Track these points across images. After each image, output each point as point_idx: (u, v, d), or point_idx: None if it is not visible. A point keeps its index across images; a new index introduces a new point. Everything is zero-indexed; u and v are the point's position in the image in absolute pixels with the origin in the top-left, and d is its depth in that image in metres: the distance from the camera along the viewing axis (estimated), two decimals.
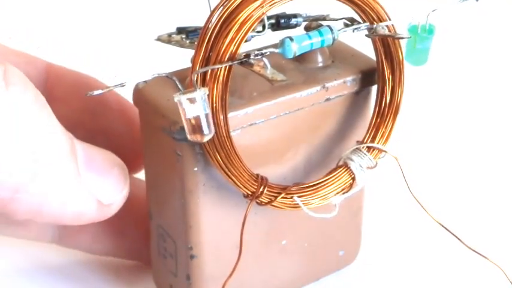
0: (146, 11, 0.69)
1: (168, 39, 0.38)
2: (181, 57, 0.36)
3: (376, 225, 0.45)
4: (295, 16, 0.36)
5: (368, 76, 0.37)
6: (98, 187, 0.33)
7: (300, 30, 0.37)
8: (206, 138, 0.31)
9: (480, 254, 0.37)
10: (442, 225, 0.36)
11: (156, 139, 0.35)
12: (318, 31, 0.33)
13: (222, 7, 0.32)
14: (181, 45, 0.36)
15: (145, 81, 0.35)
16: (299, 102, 0.35)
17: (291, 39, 0.32)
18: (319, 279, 0.42)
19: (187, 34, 0.37)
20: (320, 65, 0.36)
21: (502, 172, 0.50)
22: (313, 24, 0.36)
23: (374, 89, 0.37)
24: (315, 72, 0.36)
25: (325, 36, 0.33)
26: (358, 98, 0.37)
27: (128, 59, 0.61)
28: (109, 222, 0.39)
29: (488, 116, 0.57)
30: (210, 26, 0.31)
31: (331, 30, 0.33)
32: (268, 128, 0.35)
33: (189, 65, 0.33)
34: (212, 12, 0.32)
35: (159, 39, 0.38)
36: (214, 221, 0.36)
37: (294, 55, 0.32)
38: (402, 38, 0.33)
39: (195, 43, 0.35)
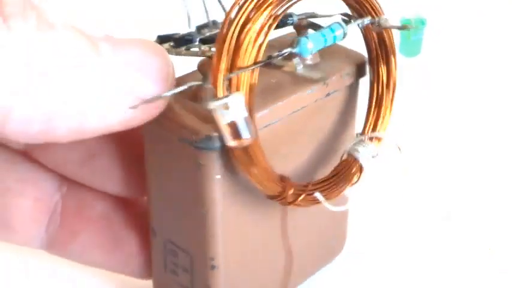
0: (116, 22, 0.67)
1: None
2: None
3: (358, 212, 0.45)
4: (290, 16, 0.36)
5: (359, 69, 0.38)
6: (138, 85, 0.30)
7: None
8: (248, 142, 0.31)
9: (474, 240, 0.38)
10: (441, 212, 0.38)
11: (169, 153, 0.34)
12: (330, 28, 0.33)
13: (238, 9, 0.31)
14: (178, 53, 0.36)
15: None
16: (306, 99, 0.35)
17: (307, 38, 0.32)
18: (314, 273, 0.42)
19: (177, 42, 0.37)
20: (309, 62, 0.37)
21: (498, 157, 0.52)
22: (304, 22, 0.37)
23: (361, 80, 0.38)
24: (310, 70, 0.36)
25: (337, 33, 0.33)
26: (349, 91, 0.38)
27: None
28: (102, 232, 0.38)
29: (483, 104, 0.58)
30: (230, 30, 0.31)
31: (341, 26, 0.33)
32: (278, 128, 0.35)
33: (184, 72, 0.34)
34: (227, 17, 0.32)
35: None
36: (236, 228, 0.35)
37: (310, 53, 0.33)
38: (408, 28, 0.34)
39: (195, 49, 0.35)
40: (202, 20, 0.38)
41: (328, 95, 0.36)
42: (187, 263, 0.36)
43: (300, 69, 0.32)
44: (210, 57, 0.34)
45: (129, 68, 0.30)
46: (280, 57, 0.32)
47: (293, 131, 0.36)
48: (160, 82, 0.31)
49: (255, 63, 0.31)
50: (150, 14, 0.68)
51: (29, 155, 0.37)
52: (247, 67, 0.31)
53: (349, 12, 0.36)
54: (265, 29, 0.31)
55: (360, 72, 0.38)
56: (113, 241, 0.39)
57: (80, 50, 0.29)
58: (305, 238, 0.40)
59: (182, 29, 0.38)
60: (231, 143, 0.30)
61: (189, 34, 0.37)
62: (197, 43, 0.36)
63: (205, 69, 0.34)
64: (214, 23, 0.38)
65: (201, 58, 0.35)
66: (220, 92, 0.31)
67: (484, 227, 0.44)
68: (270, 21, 0.31)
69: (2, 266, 0.44)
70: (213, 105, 0.30)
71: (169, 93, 0.30)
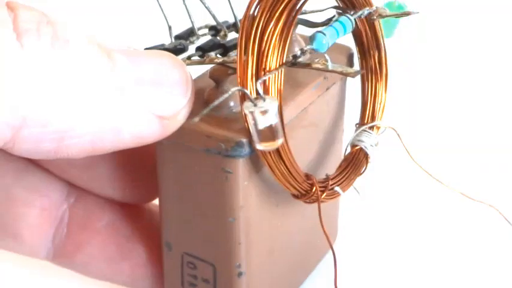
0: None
1: None
2: None
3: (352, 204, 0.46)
4: None
5: (349, 61, 0.38)
6: (155, 101, 0.29)
7: None
8: (277, 145, 0.31)
9: (476, 200, 0.40)
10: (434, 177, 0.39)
11: (190, 165, 0.33)
12: (340, 21, 0.33)
13: (254, 10, 0.31)
14: None
15: None
16: (311, 96, 0.35)
17: (323, 33, 0.32)
18: (313, 269, 0.42)
19: (171, 52, 0.36)
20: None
21: (496, 142, 0.54)
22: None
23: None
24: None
25: (347, 25, 0.34)
26: (341, 84, 0.38)
27: None
28: (109, 243, 0.37)
29: (478, 85, 0.60)
30: (251, 32, 0.31)
31: (349, 19, 0.34)
32: (290, 127, 0.35)
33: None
34: (243, 21, 0.31)
35: None
36: (258, 231, 0.35)
37: (326, 48, 0.33)
38: (409, 14, 0.35)
39: (195, 58, 0.34)
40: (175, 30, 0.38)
41: (328, 89, 0.37)
42: (209, 274, 0.36)
43: (331, 64, 0.32)
44: (221, 64, 0.34)
45: (146, 81, 0.29)
46: (304, 54, 0.32)
47: (297, 127, 0.36)
48: (179, 95, 0.30)
49: (282, 64, 0.31)
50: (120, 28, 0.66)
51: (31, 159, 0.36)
52: (277, 69, 0.31)
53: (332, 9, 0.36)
54: (286, 28, 0.31)
55: (349, 64, 0.38)
56: (120, 252, 0.38)
57: (94, 66, 0.28)
58: (307, 234, 0.40)
59: (153, 39, 0.38)
60: (260, 146, 0.30)
61: (180, 43, 0.36)
62: (195, 52, 0.36)
63: (217, 76, 0.33)
64: (192, 30, 0.38)
65: (211, 66, 0.34)
66: (254, 96, 0.30)
67: (482, 224, 0.45)
68: (290, 19, 0.31)
69: (7, 278, 0.43)
70: (250, 109, 0.30)
71: (209, 108, 0.29)
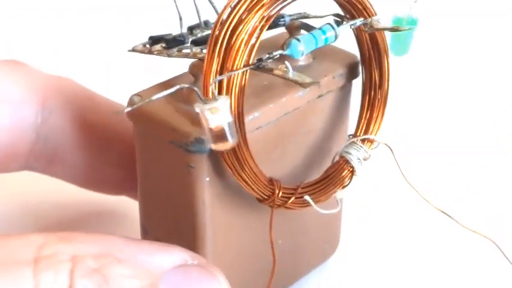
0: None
1: (147, 50, 0.37)
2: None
3: (352, 215, 0.45)
4: (282, 16, 0.36)
5: (352, 70, 0.37)
6: None
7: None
8: (230, 145, 0.31)
9: (471, 230, 0.38)
10: (442, 211, 0.38)
11: (159, 154, 0.34)
12: (321, 29, 0.33)
13: (230, 11, 0.31)
14: (169, 55, 0.35)
15: (139, 95, 0.34)
16: (298, 100, 0.35)
17: (298, 40, 0.32)
18: (304, 275, 0.42)
19: (168, 43, 0.36)
20: (302, 63, 0.37)
21: (493, 159, 0.52)
22: (296, 23, 0.36)
23: (354, 82, 0.38)
24: (302, 71, 0.36)
25: (328, 34, 0.33)
26: (342, 92, 0.38)
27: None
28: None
29: (478, 104, 0.59)
30: (221, 31, 0.31)
31: (333, 27, 0.33)
32: (269, 130, 0.35)
33: (171, 74, 0.34)
34: (219, 19, 0.31)
35: (134, 50, 0.37)
36: (225, 230, 0.35)
37: (301, 55, 0.32)
38: (399, 30, 0.34)
39: (186, 50, 0.35)
40: (195, 20, 0.38)
41: (320, 96, 0.36)
42: None
43: (291, 73, 0.32)
44: (201, 59, 0.34)
45: None
46: (271, 59, 0.31)
47: (285, 132, 0.36)
48: None
49: (245, 66, 0.31)
50: (142, 13, 0.68)
51: None
52: (237, 70, 0.31)
53: (341, 12, 0.36)
54: (257, 30, 0.31)
55: (352, 73, 0.37)
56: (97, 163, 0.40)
57: None
58: (297, 240, 0.40)
59: (175, 29, 0.38)
60: (212, 146, 0.30)
61: (180, 35, 0.37)
62: (189, 44, 0.36)
63: (196, 71, 0.34)
64: (206, 23, 0.38)
65: (193, 60, 0.34)
66: (209, 94, 0.31)
67: (476, 251, 0.44)
68: (263, 22, 0.31)
69: None
70: (199, 108, 0.30)
71: (156, 97, 0.30)
